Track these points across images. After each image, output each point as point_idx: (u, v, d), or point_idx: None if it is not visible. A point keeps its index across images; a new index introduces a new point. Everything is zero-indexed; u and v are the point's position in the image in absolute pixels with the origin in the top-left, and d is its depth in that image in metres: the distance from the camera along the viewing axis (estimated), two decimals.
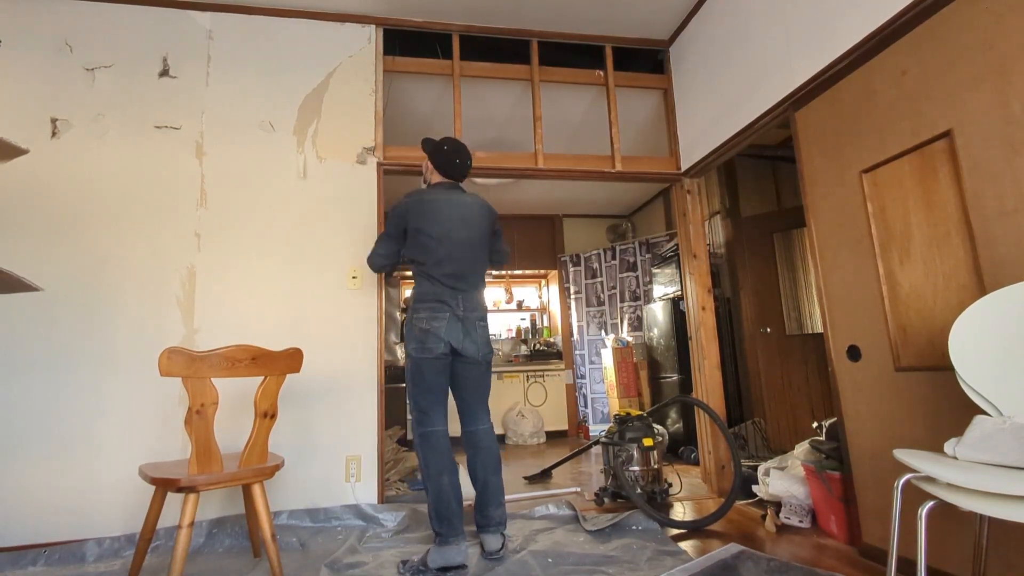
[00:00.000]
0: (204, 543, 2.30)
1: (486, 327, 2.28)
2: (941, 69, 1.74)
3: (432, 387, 2.14)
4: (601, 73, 3.32)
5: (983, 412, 1.33)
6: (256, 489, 1.78)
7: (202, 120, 2.75)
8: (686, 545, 2.22)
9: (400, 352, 5.87)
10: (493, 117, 3.81)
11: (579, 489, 3.19)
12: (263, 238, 2.72)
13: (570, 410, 5.67)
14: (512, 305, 6.45)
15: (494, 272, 6.23)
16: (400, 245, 2.31)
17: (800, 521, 2.40)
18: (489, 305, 6.40)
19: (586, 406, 5.55)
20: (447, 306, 2.17)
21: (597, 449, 4.48)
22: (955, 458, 1.26)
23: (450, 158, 2.31)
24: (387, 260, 2.32)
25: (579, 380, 5.70)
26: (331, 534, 2.39)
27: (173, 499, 2.31)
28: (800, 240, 3.92)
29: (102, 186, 2.60)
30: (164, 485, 1.69)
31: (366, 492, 2.61)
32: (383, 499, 2.64)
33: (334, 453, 2.61)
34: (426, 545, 2.24)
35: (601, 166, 3.21)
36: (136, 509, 2.38)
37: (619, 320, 5.46)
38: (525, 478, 3.56)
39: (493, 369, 5.57)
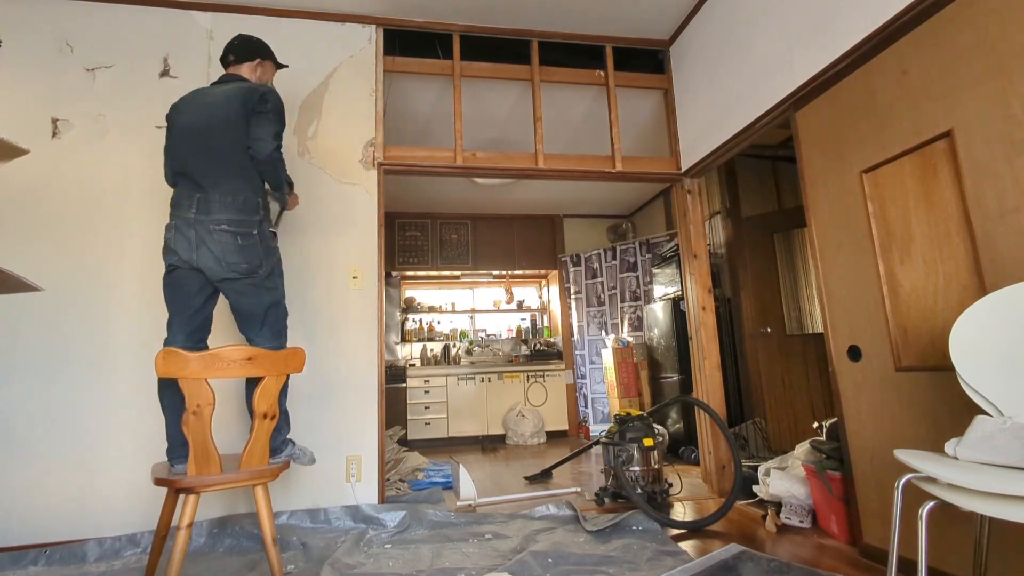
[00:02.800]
0: (205, 543, 2.30)
1: (231, 234, 1.91)
2: (942, 69, 1.74)
3: (170, 303, 1.98)
4: (601, 73, 3.32)
5: (984, 412, 1.33)
6: (258, 491, 1.77)
7: None
8: (686, 545, 2.22)
9: (400, 352, 5.88)
10: (493, 117, 3.81)
11: (579, 489, 3.19)
12: None
13: (570, 410, 5.67)
14: (512, 305, 6.45)
15: (494, 272, 6.23)
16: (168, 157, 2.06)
17: (800, 521, 2.39)
18: (489, 305, 6.42)
19: (586, 406, 5.55)
20: (180, 209, 1.94)
21: (597, 449, 4.48)
22: (956, 458, 1.26)
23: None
24: (166, 176, 2.08)
25: (579, 380, 5.70)
26: (332, 534, 2.39)
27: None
28: (800, 240, 3.92)
29: (102, 186, 2.60)
30: (165, 485, 1.70)
31: (366, 492, 2.61)
32: (383, 499, 2.64)
33: (334, 453, 2.61)
34: (427, 545, 2.24)
35: (601, 166, 3.20)
36: (136, 509, 2.38)
37: (619, 320, 5.46)
38: (525, 478, 3.56)
39: (493, 368, 5.58)
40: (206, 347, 2.08)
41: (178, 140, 2.02)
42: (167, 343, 1.99)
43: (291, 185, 2.31)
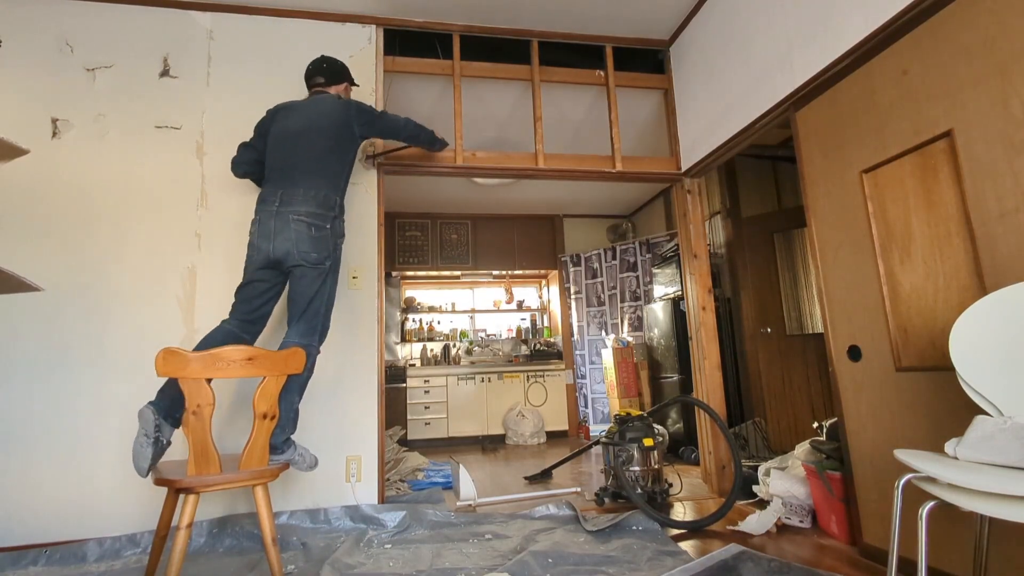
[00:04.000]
0: (205, 543, 2.30)
1: (307, 224, 2.11)
2: (942, 69, 1.74)
3: (242, 292, 2.16)
4: (601, 73, 3.32)
5: (984, 412, 1.33)
6: (258, 491, 1.77)
7: (202, 120, 2.75)
8: (686, 545, 2.22)
9: (400, 352, 5.88)
10: (493, 117, 3.81)
11: (579, 489, 3.19)
12: None
13: (570, 410, 5.67)
14: (512, 305, 6.45)
15: (494, 272, 6.24)
16: (255, 153, 2.36)
17: (801, 521, 2.39)
18: (489, 305, 6.42)
19: (586, 406, 5.55)
20: (265, 204, 2.15)
21: (597, 449, 4.48)
22: (956, 458, 1.26)
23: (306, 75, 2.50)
24: (239, 167, 2.41)
25: (579, 380, 5.70)
26: (332, 534, 2.39)
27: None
28: (800, 240, 3.92)
29: (102, 186, 2.60)
30: (165, 485, 1.70)
31: (366, 492, 2.61)
32: (383, 499, 2.64)
33: (334, 453, 2.61)
34: (427, 545, 2.24)
35: (602, 166, 3.20)
36: (137, 509, 2.38)
37: (619, 320, 5.46)
38: (525, 478, 3.56)
39: (493, 368, 5.58)
40: (250, 340, 2.16)
41: (277, 141, 2.26)
42: (222, 321, 2.13)
43: (438, 140, 2.74)
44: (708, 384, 3.12)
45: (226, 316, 2.18)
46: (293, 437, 2.07)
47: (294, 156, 2.20)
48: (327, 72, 2.49)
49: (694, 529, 2.40)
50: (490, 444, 5.34)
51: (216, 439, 1.75)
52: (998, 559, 1.53)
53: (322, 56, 2.53)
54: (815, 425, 2.64)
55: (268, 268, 2.13)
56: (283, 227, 2.09)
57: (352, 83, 2.63)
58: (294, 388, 2.01)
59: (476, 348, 6.20)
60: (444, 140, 2.79)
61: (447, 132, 3.16)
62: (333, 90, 2.49)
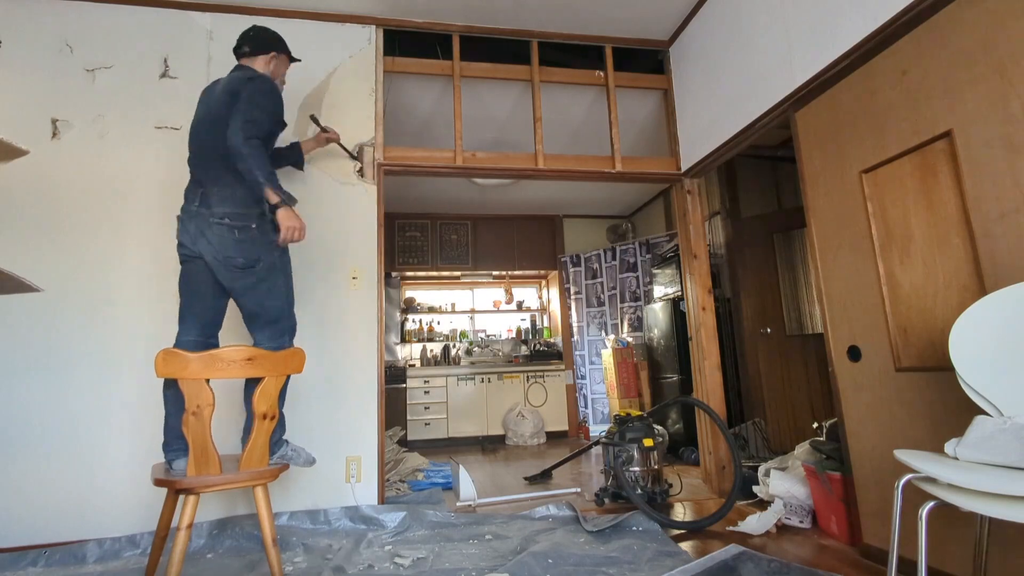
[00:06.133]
0: (205, 544, 2.30)
1: (229, 228, 1.90)
2: (941, 69, 1.74)
3: (183, 295, 2.02)
4: (601, 73, 3.32)
5: (984, 412, 1.33)
6: (258, 492, 1.77)
7: None
8: (687, 546, 2.22)
9: (400, 352, 5.88)
10: (493, 117, 3.81)
11: (579, 490, 3.19)
12: None
13: (570, 411, 5.66)
14: (512, 306, 6.45)
15: (494, 272, 6.23)
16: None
17: (801, 521, 2.39)
18: (489, 305, 6.41)
19: (586, 407, 5.55)
20: (186, 202, 2.00)
21: (597, 450, 4.48)
22: (956, 458, 1.26)
23: None
24: None
25: (579, 381, 5.70)
26: (332, 535, 2.38)
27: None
28: (800, 240, 3.92)
29: (102, 186, 2.60)
30: (164, 486, 1.70)
31: (366, 493, 2.61)
32: (383, 500, 2.64)
33: (334, 454, 2.61)
34: (427, 545, 2.24)
35: (601, 166, 3.21)
36: (136, 510, 2.38)
37: (619, 320, 5.46)
38: (525, 479, 3.56)
39: (493, 369, 5.58)
40: (216, 342, 2.09)
41: (191, 135, 2.08)
42: (179, 336, 2.02)
43: (282, 194, 1.94)
44: (708, 384, 3.12)
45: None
46: (286, 437, 2.07)
47: (206, 149, 1.98)
48: (251, 40, 2.15)
49: (694, 529, 2.40)
50: (490, 445, 5.33)
51: (216, 439, 1.74)
52: (998, 559, 1.53)
53: (253, 25, 2.24)
54: (815, 425, 2.64)
55: (204, 262, 1.96)
56: (204, 230, 1.91)
57: (289, 56, 2.26)
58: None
59: (476, 348, 6.19)
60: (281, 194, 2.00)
61: (447, 132, 3.16)
62: (260, 61, 2.15)
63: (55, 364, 2.43)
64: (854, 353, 2.07)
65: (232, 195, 1.95)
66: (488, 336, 6.36)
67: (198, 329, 2.03)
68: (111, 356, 2.48)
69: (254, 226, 1.95)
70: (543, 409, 5.54)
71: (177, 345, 2.00)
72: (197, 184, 2.00)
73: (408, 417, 5.29)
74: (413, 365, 5.82)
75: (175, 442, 1.90)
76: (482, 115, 3.73)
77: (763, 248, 4.05)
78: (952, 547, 1.68)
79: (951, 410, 1.70)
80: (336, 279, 2.76)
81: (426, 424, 5.32)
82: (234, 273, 1.93)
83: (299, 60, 2.44)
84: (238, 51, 2.19)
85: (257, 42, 2.17)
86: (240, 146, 1.86)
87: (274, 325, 2.05)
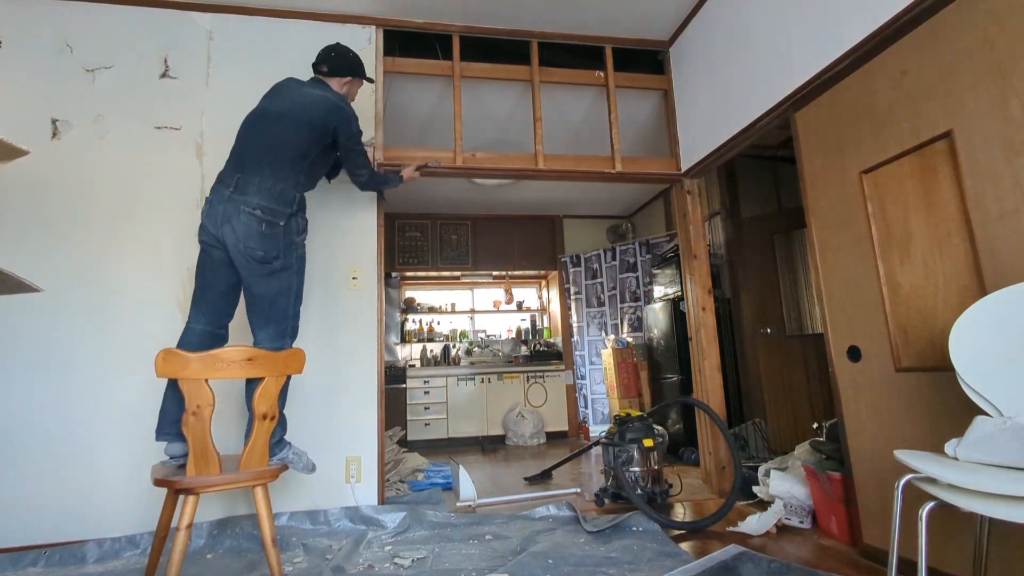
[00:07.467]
0: (205, 544, 2.30)
1: (258, 219, 1.94)
2: (941, 69, 1.74)
3: (199, 281, 2.04)
4: (601, 74, 3.32)
5: (984, 413, 1.33)
6: (258, 492, 1.77)
7: (202, 121, 2.75)
8: (686, 546, 2.22)
9: (400, 353, 5.88)
10: (493, 117, 3.81)
11: (579, 490, 3.19)
12: None
13: (570, 411, 5.66)
14: (512, 306, 6.45)
15: (494, 273, 6.23)
16: None
17: (801, 522, 2.39)
18: (489, 305, 6.42)
19: (586, 407, 5.55)
20: (220, 185, 2.01)
21: (597, 450, 4.47)
22: (956, 459, 1.26)
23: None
24: None
25: (579, 381, 5.70)
26: (332, 536, 2.38)
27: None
28: (800, 240, 3.92)
29: (102, 187, 2.60)
30: (164, 486, 1.70)
31: (366, 493, 2.61)
32: (383, 500, 2.64)
33: (334, 454, 2.61)
34: (427, 545, 2.24)
35: (601, 167, 3.21)
36: (136, 510, 2.38)
37: (619, 321, 5.46)
38: (525, 479, 3.56)
39: (493, 369, 5.58)
40: (226, 333, 2.12)
41: (252, 120, 2.11)
42: (189, 322, 2.04)
43: (396, 175, 2.60)
44: (708, 385, 3.12)
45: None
46: (293, 436, 2.06)
47: (264, 141, 2.05)
48: (332, 60, 2.31)
49: (694, 530, 2.40)
50: (490, 445, 5.33)
51: (216, 439, 1.74)
52: (998, 559, 1.53)
53: (336, 43, 2.37)
54: (815, 425, 2.64)
55: (223, 250, 1.99)
56: (232, 215, 1.94)
57: (364, 78, 2.44)
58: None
59: (476, 349, 6.19)
60: (395, 175, 2.62)
61: (447, 132, 3.16)
62: (335, 81, 2.32)
63: (55, 364, 2.43)
64: (854, 353, 2.07)
65: (271, 189, 2.00)
66: (488, 336, 6.36)
67: (209, 317, 2.06)
68: (111, 356, 2.48)
69: (282, 223, 2.01)
70: (543, 409, 5.54)
71: (186, 331, 2.04)
72: (236, 170, 2.02)
73: (408, 417, 5.29)
74: (413, 365, 5.82)
75: (168, 426, 1.91)
76: (482, 115, 3.73)
77: (763, 248, 4.05)
78: (952, 547, 1.68)
79: (951, 410, 1.70)
80: (336, 279, 2.76)
81: (426, 424, 5.32)
82: (252, 264, 1.97)
83: (372, 81, 2.57)
84: (316, 67, 2.33)
85: (336, 65, 2.32)
86: (368, 183, 2.43)
87: (277, 325, 2.06)
